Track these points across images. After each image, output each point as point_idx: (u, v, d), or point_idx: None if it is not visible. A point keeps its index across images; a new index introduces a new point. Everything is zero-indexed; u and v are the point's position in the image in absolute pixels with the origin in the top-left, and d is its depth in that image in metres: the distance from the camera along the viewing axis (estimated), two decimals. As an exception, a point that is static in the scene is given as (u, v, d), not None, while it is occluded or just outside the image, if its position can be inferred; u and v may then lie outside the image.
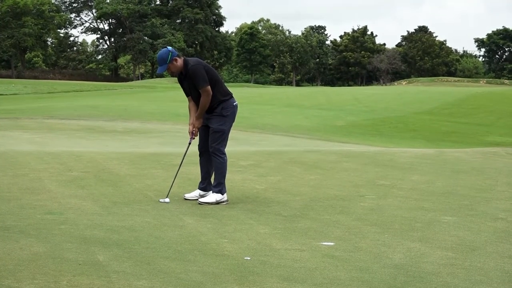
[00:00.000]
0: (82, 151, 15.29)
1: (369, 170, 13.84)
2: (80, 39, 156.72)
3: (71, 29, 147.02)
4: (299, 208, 9.54)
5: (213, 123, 9.86)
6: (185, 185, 10.93)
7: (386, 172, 13.74)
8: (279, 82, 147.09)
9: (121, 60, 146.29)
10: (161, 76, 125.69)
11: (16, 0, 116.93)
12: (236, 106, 10.14)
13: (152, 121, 31.53)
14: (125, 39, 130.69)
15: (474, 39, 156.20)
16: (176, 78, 10.45)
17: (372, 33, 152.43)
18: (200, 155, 10.10)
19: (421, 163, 15.47)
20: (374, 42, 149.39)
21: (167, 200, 9.54)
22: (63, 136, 21.76)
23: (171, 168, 12.79)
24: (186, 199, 9.84)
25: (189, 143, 10.18)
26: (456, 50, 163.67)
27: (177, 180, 10.76)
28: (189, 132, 10.03)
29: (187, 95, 10.11)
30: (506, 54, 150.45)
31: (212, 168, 9.93)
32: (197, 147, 10.16)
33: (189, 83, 9.83)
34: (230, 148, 15.74)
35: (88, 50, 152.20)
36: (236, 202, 9.76)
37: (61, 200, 9.35)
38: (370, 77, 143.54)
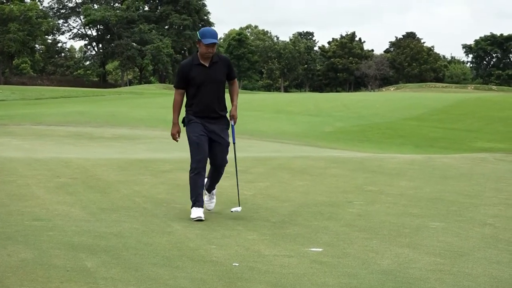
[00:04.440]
0: (70, 157, 15.27)
1: (358, 176, 13.86)
2: (68, 45, 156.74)
3: (59, 35, 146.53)
4: (288, 214, 9.54)
5: (226, 136, 9.19)
6: (174, 191, 10.92)
7: (374, 178, 13.76)
8: (268, 88, 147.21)
9: (109, 66, 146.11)
10: (149, 82, 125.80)
11: (1, 7, 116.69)
12: None
13: (140, 127, 31.50)
14: (113, 45, 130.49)
15: (462, 45, 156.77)
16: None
17: (360, 39, 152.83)
18: (197, 173, 8.99)
19: (409, 169, 15.50)
20: (362, 48, 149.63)
21: (239, 209, 9.07)
22: (51, 143, 21.71)
23: (159, 175, 12.79)
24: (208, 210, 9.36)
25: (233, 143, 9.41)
26: (444, 56, 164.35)
27: (166, 186, 10.76)
28: (173, 135, 9.22)
29: (187, 87, 9.06)
30: (494, 60, 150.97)
31: (215, 181, 9.49)
32: (198, 162, 8.96)
33: (214, 72, 8.98)
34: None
35: (76, 56, 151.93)
36: (224, 209, 9.76)
37: (49, 206, 9.33)
38: (358, 83, 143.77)
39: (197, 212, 8.86)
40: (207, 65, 8.98)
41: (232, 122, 9.26)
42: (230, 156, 9.36)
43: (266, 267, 6.60)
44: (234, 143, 9.34)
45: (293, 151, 20.82)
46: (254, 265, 6.63)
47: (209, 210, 9.40)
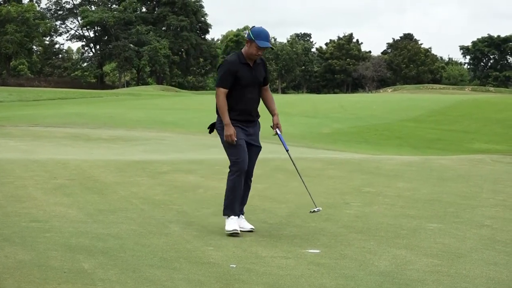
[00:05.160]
0: (67, 158, 15.26)
1: (355, 178, 13.86)
2: (65, 47, 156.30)
3: (56, 37, 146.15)
4: (285, 215, 9.55)
5: (258, 141, 8.76)
6: (171, 193, 10.92)
7: (371, 179, 13.77)
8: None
9: (107, 68, 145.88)
10: (146, 83, 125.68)
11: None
12: None
13: (138, 128, 31.49)
14: (110, 46, 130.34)
15: (459, 46, 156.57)
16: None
17: (357, 40, 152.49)
18: (239, 175, 8.43)
19: (407, 171, 15.51)
20: (359, 50, 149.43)
21: (317, 209, 8.49)
22: (49, 144, 21.70)
23: (156, 176, 12.79)
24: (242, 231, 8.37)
25: (287, 150, 8.80)
26: (441, 57, 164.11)
27: (163, 188, 10.75)
28: (231, 136, 8.33)
29: (235, 87, 8.43)
30: (491, 61, 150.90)
31: (246, 195, 8.77)
32: (242, 163, 8.41)
33: (257, 73, 8.54)
34: (216, 156, 15.74)
35: (74, 57, 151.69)
36: (221, 210, 9.74)
37: (46, 208, 9.32)
38: (355, 85, 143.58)
39: (233, 224, 8.23)
40: (251, 65, 8.49)
41: (278, 131, 8.75)
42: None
43: (263, 268, 6.59)
44: (287, 150, 8.76)
45: (290, 153, 20.76)
46: (251, 267, 6.62)
47: (251, 230, 8.54)
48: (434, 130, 37.74)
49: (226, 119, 8.33)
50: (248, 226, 8.48)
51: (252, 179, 8.75)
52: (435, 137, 34.62)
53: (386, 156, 20.82)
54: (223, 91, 8.36)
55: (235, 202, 8.38)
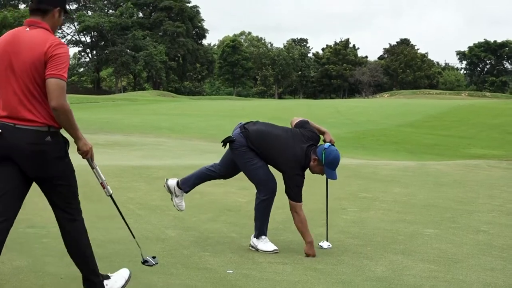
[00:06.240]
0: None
1: (352, 183, 13.88)
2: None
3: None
4: (281, 221, 9.55)
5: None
6: (168, 198, 10.91)
7: (368, 184, 13.79)
8: (262, 95, 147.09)
9: (104, 73, 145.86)
10: (143, 88, 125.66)
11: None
12: None
13: (134, 133, 31.47)
14: (107, 51, 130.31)
15: (455, 51, 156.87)
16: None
17: (354, 45, 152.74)
18: (272, 198, 8.15)
19: (403, 176, 15.53)
20: (356, 55, 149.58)
21: (326, 245, 8.14)
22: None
23: (153, 181, 12.79)
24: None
25: None
26: (437, 62, 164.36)
27: (160, 193, 10.75)
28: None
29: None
30: (488, 66, 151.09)
31: None
32: (272, 182, 8.07)
33: None
34: (212, 161, 15.72)
35: (70, 62, 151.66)
36: (218, 215, 9.76)
37: (43, 213, 9.31)
38: (352, 90, 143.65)
39: (270, 244, 7.90)
40: None
41: None
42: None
43: (260, 274, 6.60)
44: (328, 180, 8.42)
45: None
46: (248, 272, 6.63)
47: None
48: (430, 135, 37.77)
49: (309, 236, 7.78)
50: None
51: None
52: (432, 142, 34.63)
53: (382, 161, 20.84)
54: (300, 206, 7.82)
55: (267, 223, 8.12)
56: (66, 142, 5.57)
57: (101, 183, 6.10)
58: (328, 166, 7.82)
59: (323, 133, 8.39)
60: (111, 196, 6.14)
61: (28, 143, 5.21)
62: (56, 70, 5.09)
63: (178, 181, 8.39)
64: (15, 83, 5.18)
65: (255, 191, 8.00)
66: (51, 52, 5.11)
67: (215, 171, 8.47)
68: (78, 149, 5.70)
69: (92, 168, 5.99)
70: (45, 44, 5.15)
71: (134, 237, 6.10)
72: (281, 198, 10.87)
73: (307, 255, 7.58)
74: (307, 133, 8.07)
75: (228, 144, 8.09)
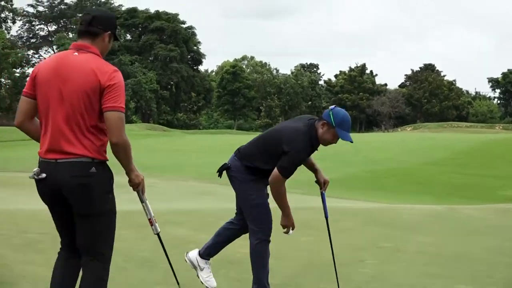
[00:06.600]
0: (39, 209, 15.16)
1: (370, 230, 13.83)
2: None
3: (28, 68, 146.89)
4: (290, 275, 9.51)
5: None
6: (158, 249, 10.86)
7: (389, 232, 13.73)
8: (266, 128, 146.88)
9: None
10: (131, 121, 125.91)
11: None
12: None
13: (122, 173, 31.43)
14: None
15: (487, 78, 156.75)
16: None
17: (371, 72, 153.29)
18: (269, 241, 8.35)
19: (429, 222, 15.47)
20: (374, 82, 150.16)
21: None
22: (18, 192, 21.66)
23: (142, 229, 12.72)
24: None
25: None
26: (467, 91, 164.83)
27: (149, 243, 10.70)
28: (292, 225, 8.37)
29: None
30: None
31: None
32: (269, 230, 8.28)
33: None
34: (212, 205, 15.70)
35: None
36: (218, 269, 9.71)
37: (14, 267, 9.27)
38: (370, 122, 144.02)
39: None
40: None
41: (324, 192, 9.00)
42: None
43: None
44: (327, 218, 9.09)
45: (295, 201, 20.71)
46: (251, 336, 6.57)
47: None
48: (459, 174, 37.76)
49: (287, 208, 8.17)
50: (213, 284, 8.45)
51: None
52: (461, 183, 34.62)
53: (405, 205, 20.79)
54: (283, 181, 7.92)
55: (267, 275, 8.18)
56: (112, 177, 5.87)
57: (149, 219, 6.34)
58: (340, 126, 7.87)
59: (315, 171, 8.68)
60: (158, 234, 6.37)
61: (72, 176, 5.42)
62: (115, 102, 5.27)
63: (199, 251, 8.54)
64: (60, 113, 5.35)
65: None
66: (108, 82, 5.23)
67: (234, 222, 8.53)
68: (130, 181, 6.05)
69: (142, 202, 6.28)
70: (99, 71, 5.30)
71: (178, 284, 6.24)
72: (289, 249, 10.80)
73: (284, 227, 8.08)
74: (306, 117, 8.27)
75: (225, 172, 8.22)
